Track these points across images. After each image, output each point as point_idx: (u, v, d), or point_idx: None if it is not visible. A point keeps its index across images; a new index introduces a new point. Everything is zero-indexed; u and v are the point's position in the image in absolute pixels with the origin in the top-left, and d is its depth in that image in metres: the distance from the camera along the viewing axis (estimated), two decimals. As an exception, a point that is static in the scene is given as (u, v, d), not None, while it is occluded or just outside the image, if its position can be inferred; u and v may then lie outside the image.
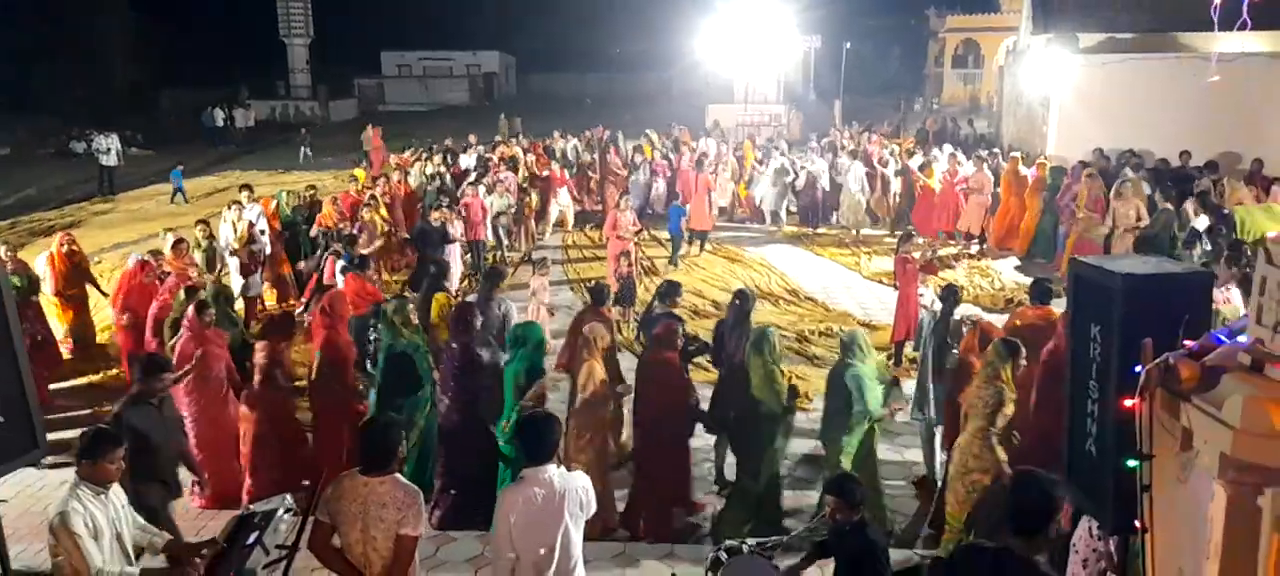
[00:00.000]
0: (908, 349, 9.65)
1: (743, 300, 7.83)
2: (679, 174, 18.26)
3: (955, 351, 7.25)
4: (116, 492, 4.42)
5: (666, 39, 43.16)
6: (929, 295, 9.62)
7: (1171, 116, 16.61)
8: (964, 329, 7.32)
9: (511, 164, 17.76)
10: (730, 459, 7.12)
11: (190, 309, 7.42)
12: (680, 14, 35.97)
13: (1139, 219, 11.95)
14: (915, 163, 17.73)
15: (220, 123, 34.71)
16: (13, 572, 5.26)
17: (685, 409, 6.72)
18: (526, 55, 63.30)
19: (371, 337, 7.89)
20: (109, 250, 16.07)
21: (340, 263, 10.09)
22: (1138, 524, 3.40)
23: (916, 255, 9.85)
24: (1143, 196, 12.54)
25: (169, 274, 9.33)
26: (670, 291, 8.11)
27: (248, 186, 13.36)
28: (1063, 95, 19.05)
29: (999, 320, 8.55)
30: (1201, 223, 11.50)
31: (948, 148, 18.68)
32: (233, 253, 11.69)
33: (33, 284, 9.89)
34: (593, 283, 9.27)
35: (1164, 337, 3.46)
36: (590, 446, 6.59)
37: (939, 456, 7.37)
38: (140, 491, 5.13)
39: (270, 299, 12.53)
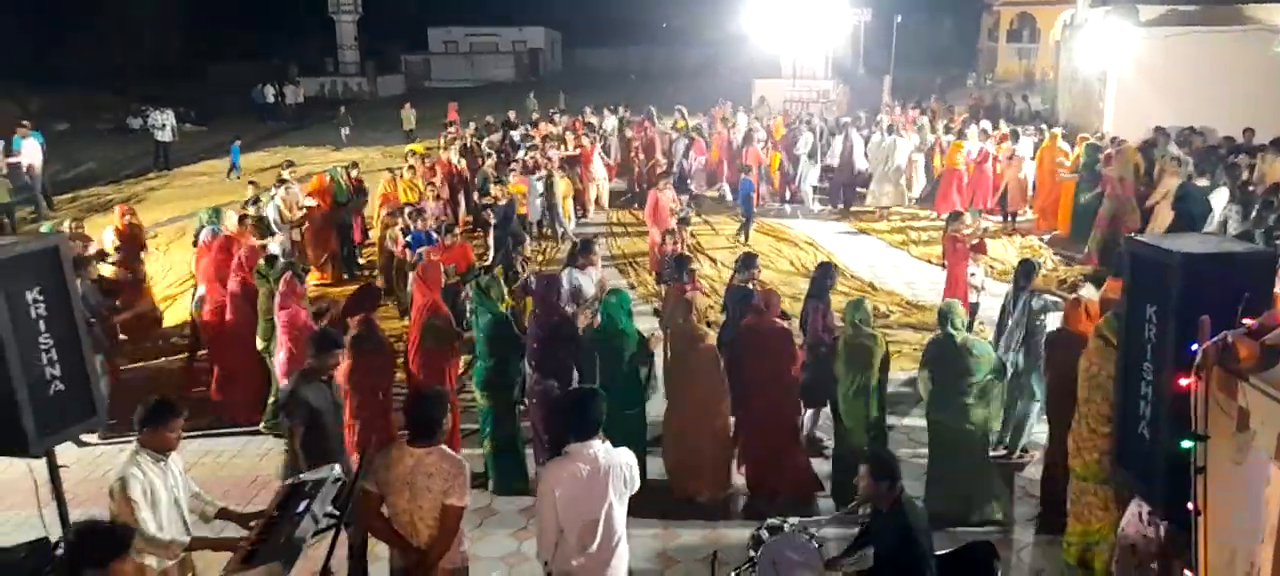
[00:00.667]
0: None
1: (825, 274, 7.81)
2: (723, 149, 18.18)
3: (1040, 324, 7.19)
4: (175, 460, 4.54)
5: (713, 13, 42.74)
6: (979, 275, 9.46)
7: (1236, 91, 16.07)
8: (1048, 305, 7.34)
9: (553, 142, 17.76)
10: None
11: (288, 276, 7.34)
12: (728, -13, 35.58)
13: (1169, 196, 11.71)
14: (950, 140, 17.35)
15: (270, 99, 35.21)
16: None
17: (794, 368, 6.82)
18: (572, 30, 63.37)
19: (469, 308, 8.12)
20: (165, 224, 16.44)
21: (405, 238, 10.49)
22: (1190, 506, 3.33)
23: (966, 233, 9.67)
24: (1178, 174, 12.24)
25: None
26: (748, 263, 8.11)
27: (291, 163, 13.52)
28: (1121, 69, 18.57)
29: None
30: (1218, 198, 11.19)
31: (978, 126, 17.86)
32: (280, 227, 11.81)
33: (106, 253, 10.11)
34: (674, 255, 9.36)
35: (1223, 318, 3.38)
36: (707, 413, 6.69)
37: (1031, 435, 7.36)
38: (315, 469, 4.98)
39: (314, 277, 12.38)
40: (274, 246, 11.27)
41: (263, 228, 11.28)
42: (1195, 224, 10.91)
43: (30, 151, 17.10)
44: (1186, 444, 3.27)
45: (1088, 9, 22.25)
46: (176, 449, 4.54)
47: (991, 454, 6.81)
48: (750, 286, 7.79)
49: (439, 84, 51.65)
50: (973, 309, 9.27)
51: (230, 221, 10.03)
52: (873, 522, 4.76)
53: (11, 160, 16.84)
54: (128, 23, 43.66)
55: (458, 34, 58.83)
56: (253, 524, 4.46)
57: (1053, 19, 39.61)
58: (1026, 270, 7.66)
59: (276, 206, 12.06)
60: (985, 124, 18.20)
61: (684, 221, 14.01)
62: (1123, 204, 12.44)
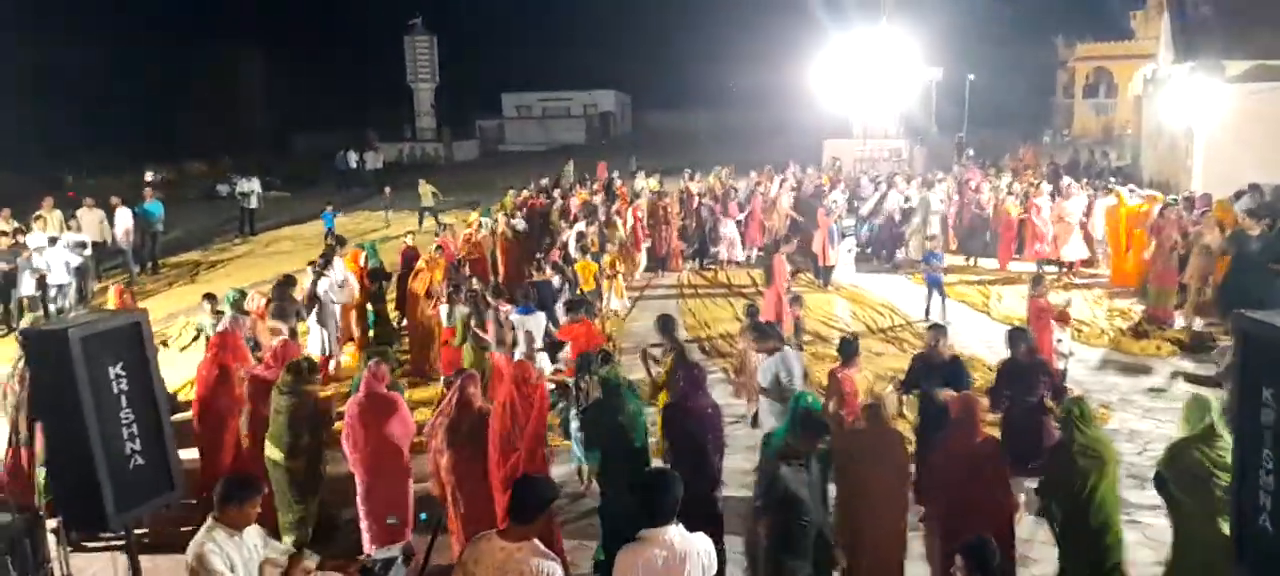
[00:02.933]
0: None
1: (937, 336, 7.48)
2: (752, 213, 18.09)
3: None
4: (251, 533, 4.54)
5: (782, 74, 42.85)
6: (1067, 342, 9.10)
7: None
8: None
9: (589, 209, 16.80)
10: None
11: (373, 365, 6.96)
12: (796, 48, 35.69)
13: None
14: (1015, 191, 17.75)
15: (352, 165, 36.25)
16: None
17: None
18: (641, 93, 64.19)
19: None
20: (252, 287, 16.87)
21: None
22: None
23: (1052, 299, 9.33)
24: (1214, 226, 12.45)
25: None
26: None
27: (342, 239, 12.99)
28: (1208, 127, 17.97)
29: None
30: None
31: (1055, 182, 18.18)
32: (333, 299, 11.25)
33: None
34: (845, 337, 8.58)
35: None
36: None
37: None
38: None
39: (351, 358, 11.67)
40: (314, 339, 11.04)
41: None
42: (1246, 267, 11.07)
43: (122, 219, 17.72)
44: None
45: (1170, 65, 21.66)
46: (252, 524, 4.54)
47: None
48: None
49: (513, 148, 52.71)
50: (1061, 376, 8.89)
51: (253, 302, 9.66)
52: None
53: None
54: (220, 95, 45.80)
55: (531, 99, 60.14)
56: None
57: (1130, 73, 38.74)
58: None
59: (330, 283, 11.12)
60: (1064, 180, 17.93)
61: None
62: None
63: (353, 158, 36.54)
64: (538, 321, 9.77)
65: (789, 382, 7.19)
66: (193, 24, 51.10)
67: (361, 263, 12.60)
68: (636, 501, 4.18)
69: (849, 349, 7.50)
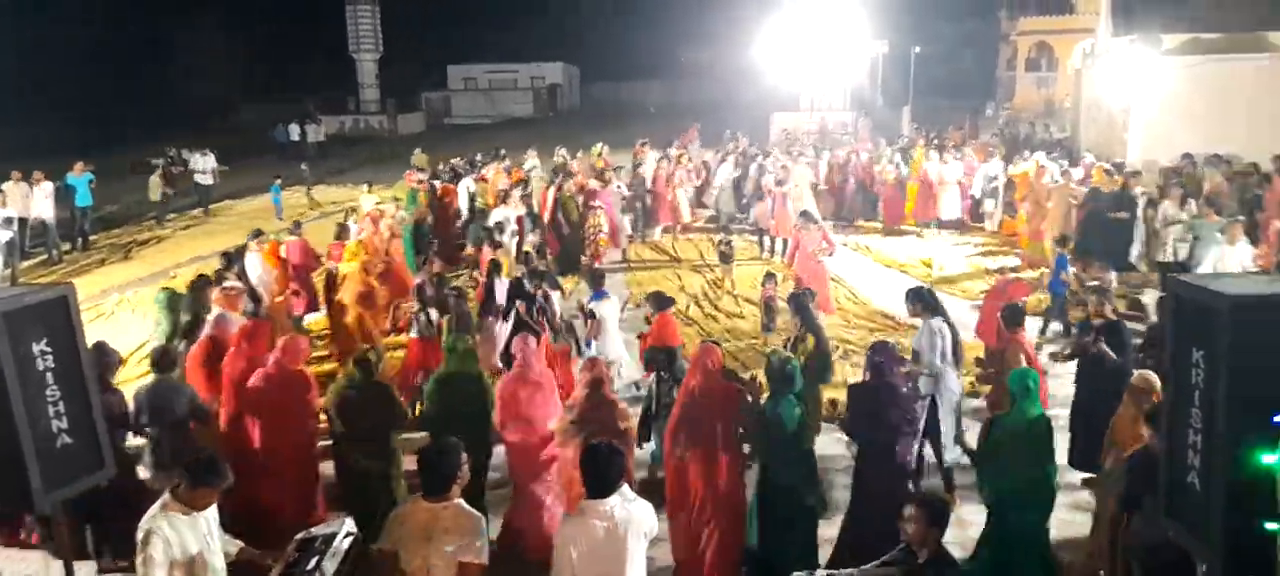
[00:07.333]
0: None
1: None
2: (657, 185, 17.65)
3: None
4: (207, 516, 4.44)
5: (731, 47, 42.96)
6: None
7: (1260, 119, 15.85)
8: None
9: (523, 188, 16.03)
10: None
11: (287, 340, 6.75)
12: (745, 22, 35.77)
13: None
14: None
15: (293, 138, 35.48)
16: None
17: None
18: (590, 65, 63.76)
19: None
20: (185, 264, 16.45)
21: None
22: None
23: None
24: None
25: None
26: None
27: (260, 232, 11.67)
28: (1145, 99, 18.36)
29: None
30: (1166, 213, 12.13)
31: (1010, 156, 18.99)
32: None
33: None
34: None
35: (1278, 364, 3.21)
36: None
37: None
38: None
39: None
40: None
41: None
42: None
43: (42, 194, 16.88)
44: (1271, 526, 3.05)
45: (1109, 38, 22.08)
46: (212, 506, 4.44)
47: None
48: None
49: (459, 121, 52.04)
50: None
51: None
52: (910, 569, 4.52)
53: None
54: (163, 66, 44.36)
55: (477, 71, 59.37)
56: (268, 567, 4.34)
57: (1070, 47, 39.51)
58: None
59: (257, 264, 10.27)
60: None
61: (725, 258, 13.89)
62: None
63: (294, 130, 35.77)
64: (613, 307, 9.17)
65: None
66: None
67: (282, 254, 11.68)
68: (589, 475, 4.14)
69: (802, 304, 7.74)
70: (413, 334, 9.05)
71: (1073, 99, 29.11)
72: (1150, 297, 11.06)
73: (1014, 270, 14.29)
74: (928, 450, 7.12)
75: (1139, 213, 13.30)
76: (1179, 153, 15.86)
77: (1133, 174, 14.54)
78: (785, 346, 7.50)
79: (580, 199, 15.46)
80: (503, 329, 9.11)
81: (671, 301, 8.45)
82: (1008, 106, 42.77)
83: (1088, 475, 7.02)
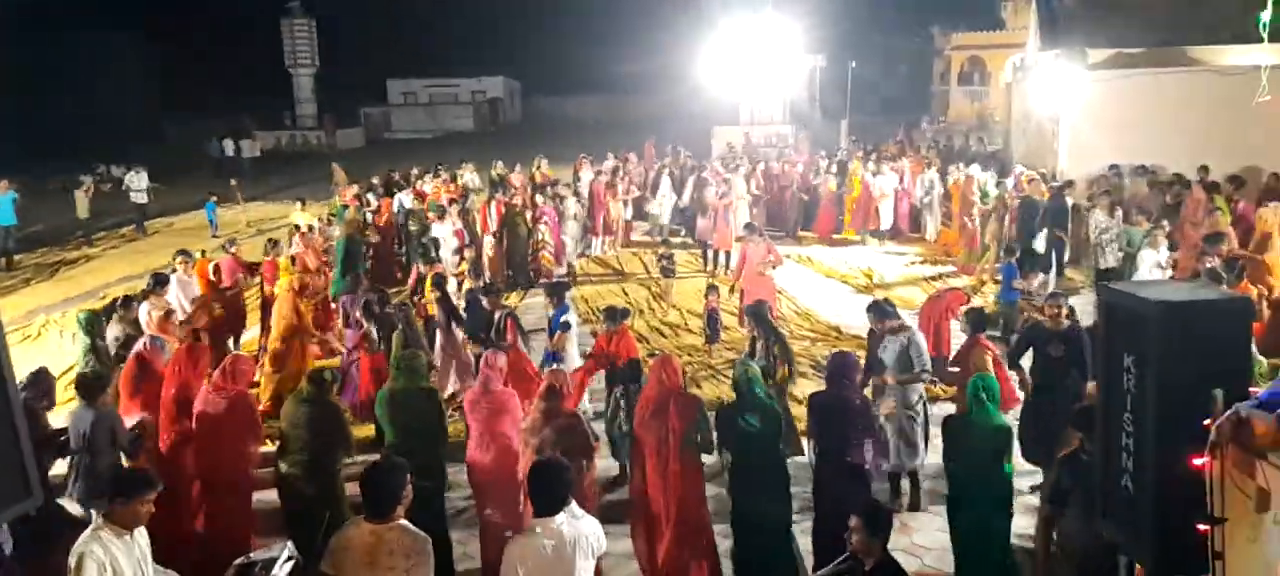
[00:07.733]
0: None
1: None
2: (595, 199, 17.61)
3: None
4: (140, 535, 4.33)
5: (672, 60, 43.14)
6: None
7: (1184, 130, 16.43)
8: None
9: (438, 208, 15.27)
10: None
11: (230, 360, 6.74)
12: (685, 35, 35.93)
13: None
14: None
15: (228, 153, 34.70)
16: None
17: None
18: (531, 79, 63.52)
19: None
20: (114, 284, 15.98)
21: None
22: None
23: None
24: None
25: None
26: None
27: (185, 252, 11.58)
28: (1073, 111, 18.88)
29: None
30: (1098, 221, 12.60)
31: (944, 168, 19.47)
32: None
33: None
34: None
35: (1204, 368, 3.32)
36: None
37: None
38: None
39: None
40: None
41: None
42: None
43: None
44: (1203, 526, 3.13)
45: (1037, 52, 22.68)
46: (144, 524, 4.32)
47: None
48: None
49: (399, 135, 51.44)
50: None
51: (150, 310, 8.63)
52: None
53: None
54: (85, 80, 42.97)
55: (417, 85, 58.79)
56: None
57: (1002, 61, 40.46)
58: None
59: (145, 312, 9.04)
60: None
61: (667, 272, 13.94)
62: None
63: (229, 145, 34.97)
64: (573, 316, 9.25)
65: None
66: (61, 6, 47.58)
67: (211, 275, 11.43)
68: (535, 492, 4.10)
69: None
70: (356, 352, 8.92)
71: (1004, 112, 29.86)
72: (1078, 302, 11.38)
73: (950, 277, 14.85)
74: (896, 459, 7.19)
75: (1067, 224, 13.85)
76: (1106, 163, 16.36)
77: (1067, 184, 15.12)
78: (768, 359, 7.45)
79: (529, 215, 15.43)
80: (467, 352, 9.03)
81: (627, 313, 8.44)
82: (942, 119, 43.67)
83: (1035, 483, 7.17)
